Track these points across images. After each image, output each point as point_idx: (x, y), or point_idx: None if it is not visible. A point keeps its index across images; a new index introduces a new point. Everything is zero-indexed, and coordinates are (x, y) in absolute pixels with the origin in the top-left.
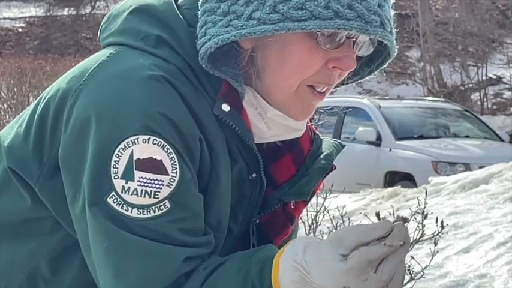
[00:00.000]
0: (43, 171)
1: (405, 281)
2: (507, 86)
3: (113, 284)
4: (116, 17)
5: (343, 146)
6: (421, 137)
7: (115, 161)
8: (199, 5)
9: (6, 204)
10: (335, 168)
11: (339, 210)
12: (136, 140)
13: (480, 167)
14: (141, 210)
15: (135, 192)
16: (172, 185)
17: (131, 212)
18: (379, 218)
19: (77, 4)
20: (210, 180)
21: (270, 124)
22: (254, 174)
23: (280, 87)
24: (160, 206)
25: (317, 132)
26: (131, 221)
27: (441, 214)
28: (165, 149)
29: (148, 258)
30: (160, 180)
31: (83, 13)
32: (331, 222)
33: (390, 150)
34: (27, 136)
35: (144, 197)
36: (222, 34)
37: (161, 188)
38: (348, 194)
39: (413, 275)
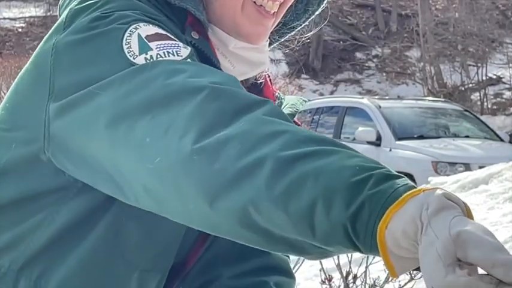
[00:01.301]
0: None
1: (405, 281)
2: (507, 86)
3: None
4: None
5: (305, 101)
6: (421, 137)
7: (127, 47)
8: None
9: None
10: (300, 125)
11: None
12: (137, 25)
13: (480, 167)
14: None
15: (158, 56)
16: (188, 48)
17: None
18: None
19: None
20: None
21: (233, 61)
22: None
23: (228, 7)
24: (185, 62)
25: (279, 92)
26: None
27: None
28: (165, 31)
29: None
30: (176, 43)
31: None
32: None
33: (390, 150)
34: (14, 108)
35: (169, 56)
36: None
37: (180, 48)
38: None
39: (413, 275)
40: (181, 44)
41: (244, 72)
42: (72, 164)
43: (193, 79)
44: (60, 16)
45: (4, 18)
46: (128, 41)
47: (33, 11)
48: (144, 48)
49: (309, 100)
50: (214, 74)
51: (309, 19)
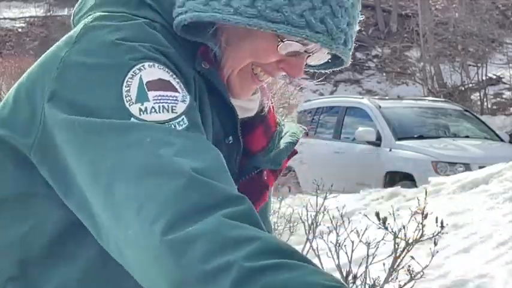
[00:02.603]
0: (36, 140)
1: (405, 281)
2: (507, 86)
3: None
4: None
5: (305, 130)
6: (421, 137)
7: (126, 90)
8: None
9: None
10: (296, 152)
11: (338, 210)
12: (142, 66)
13: (480, 167)
14: (164, 125)
15: (153, 110)
16: (185, 101)
17: None
18: (379, 219)
19: None
20: None
21: None
22: (230, 138)
23: (230, 61)
24: (179, 121)
25: (279, 118)
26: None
27: (441, 214)
28: (170, 73)
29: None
30: (174, 96)
31: None
32: (331, 222)
33: (390, 150)
34: (16, 104)
35: (163, 112)
36: (199, 12)
37: (177, 103)
38: (348, 194)
39: (413, 275)
40: (179, 97)
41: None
42: (53, 173)
43: (178, 158)
44: (73, 23)
45: (4, 18)
46: (128, 83)
47: (33, 11)
48: (141, 97)
49: (309, 100)
50: (200, 154)
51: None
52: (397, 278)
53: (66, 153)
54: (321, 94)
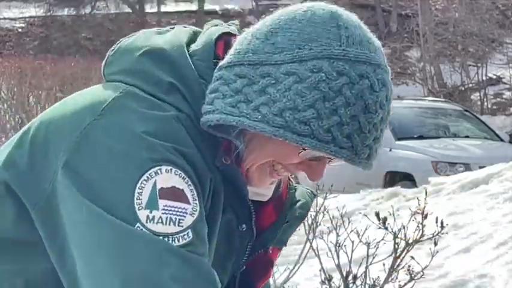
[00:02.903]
0: (41, 199)
1: (405, 281)
2: (507, 86)
3: None
4: (124, 54)
5: (315, 195)
6: (421, 137)
7: (138, 193)
8: (218, 67)
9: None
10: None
11: (338, 210)
12: (159, 170)
13: (480, 167)
14: (165, 240)
15: (160, 221)
16: (194, 214)
17: None
18: (379, 219)
19: (77, 4)
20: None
21: None
22: (244, 226)
23: (251, 156)
24: (184, 235)
25: (291, 180)
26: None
27: (441, 214)
28: (185, 180)
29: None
30: (184, 209)
31: (83, 13)
32: (331, 222)
33: (390, 150)
34: (23, 157)
35: (169, 224)
36: (226, 114)
37: (185, 217)
38: (347, 194)
39: (413, 275)
40: (189, 210)
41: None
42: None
43: (171, 283)
44: (104, 73)
45: (4, 18)
46: (142, 185)
47: (33, 11)
48: (151, 204)
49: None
50: (193, 284)
51: None
52: (397, 278)
53: (68, 229)
54: None
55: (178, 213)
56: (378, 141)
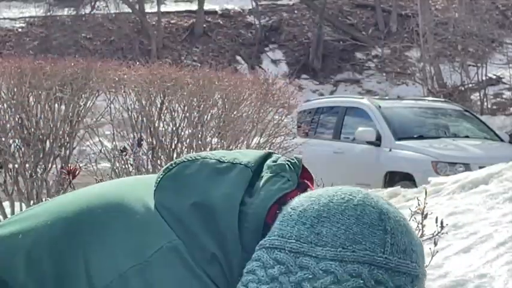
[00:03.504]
0: None
1: None
2: (507, 86)
3: None
4: (180, 191)
5: None
6: (421, 137)
7: None
8: (259, 244)
9: None
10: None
11: None
12: None
13: (480, 167)
14: None
15: None
16: None
17: None
18: None
19: (77, 4)
20: None
21: None
22: None
23: None
24: None
25: None
26: None
27: (441, 214)
28: None
29: None
30: None
31: (83, 13)
32: None
33: (390, 150)
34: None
35: None
36: None
37: None
38: None
39: None
40: None
41: None
42: None
43: None
44: (159, 181)
45: (4, 18)
46: None
47: (33, 11)
48: None
49: (309, 100)
50: None
51: None
52: None
53: None
54: (321, 94)
55: None
56: None
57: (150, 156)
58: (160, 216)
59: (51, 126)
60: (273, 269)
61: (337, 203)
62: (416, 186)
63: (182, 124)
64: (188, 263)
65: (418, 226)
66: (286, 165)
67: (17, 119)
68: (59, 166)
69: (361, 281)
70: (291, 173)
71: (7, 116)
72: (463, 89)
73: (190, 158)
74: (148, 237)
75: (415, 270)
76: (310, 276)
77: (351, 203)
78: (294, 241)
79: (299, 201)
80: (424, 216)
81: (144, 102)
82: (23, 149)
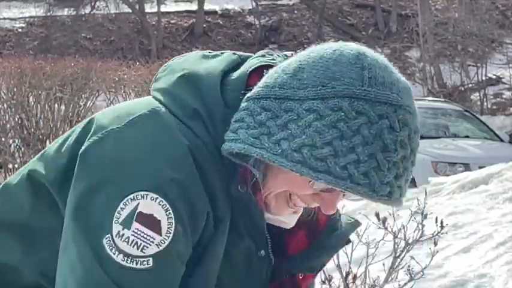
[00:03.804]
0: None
1: (405, 281)
2: (507, 86)
3: None
4: (169, 73)
5: (359, 224)
6: (420, 137)
7: (121, 208)
8: (246, 97)
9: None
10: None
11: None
12: (145, 196)
13: (480, 167)
14: (125, 258)
15: (126, 240)
16: (160, 246)
17: (117, 256)
18: (378, 219)
19: (77, 4)
20: (206, 251)
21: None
22: (262, 252)
23: (267, 188)
24: (143, 261)
25: (338, 213)
26: (113, 264)
27: (441, 214)
28: (168, 213)
29: None
30: (152, 238)
31: (83, 13)
32: None
33: None
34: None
35: (133, 247)
36: (248, 145)
37: (150, 245)
38: None
39: (413, 275)
40: (156, 240)
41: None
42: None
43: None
44: (152, 85)
45: (4, 18)
46: (126, 202)
47: (33, 11)
48: (126, 222)
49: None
50: None
51: None
52: (397, 278)
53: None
54: None
55: (145, 240)
56: (401, 178)
57: None
58: (153, 97)
59: (51, 126)
60: (260, 115)
61: (316, 53)
62: (416, 186)
63: None
64: (167, 120)
65: (418, 226)
66: (276, 55)
67: (17, 119)
68: None
69: (342, 113)
70: (278, 58)
71: (7, 116)
72: (463, 89)
73: (184, 54)
74: (134, 109)
75: (396, 100)
76: (295, 117)
77: (330, 49)
78: (277, 89)
79: (282, 62)
80: (424, 216)
81: None
82: (23, 149)
